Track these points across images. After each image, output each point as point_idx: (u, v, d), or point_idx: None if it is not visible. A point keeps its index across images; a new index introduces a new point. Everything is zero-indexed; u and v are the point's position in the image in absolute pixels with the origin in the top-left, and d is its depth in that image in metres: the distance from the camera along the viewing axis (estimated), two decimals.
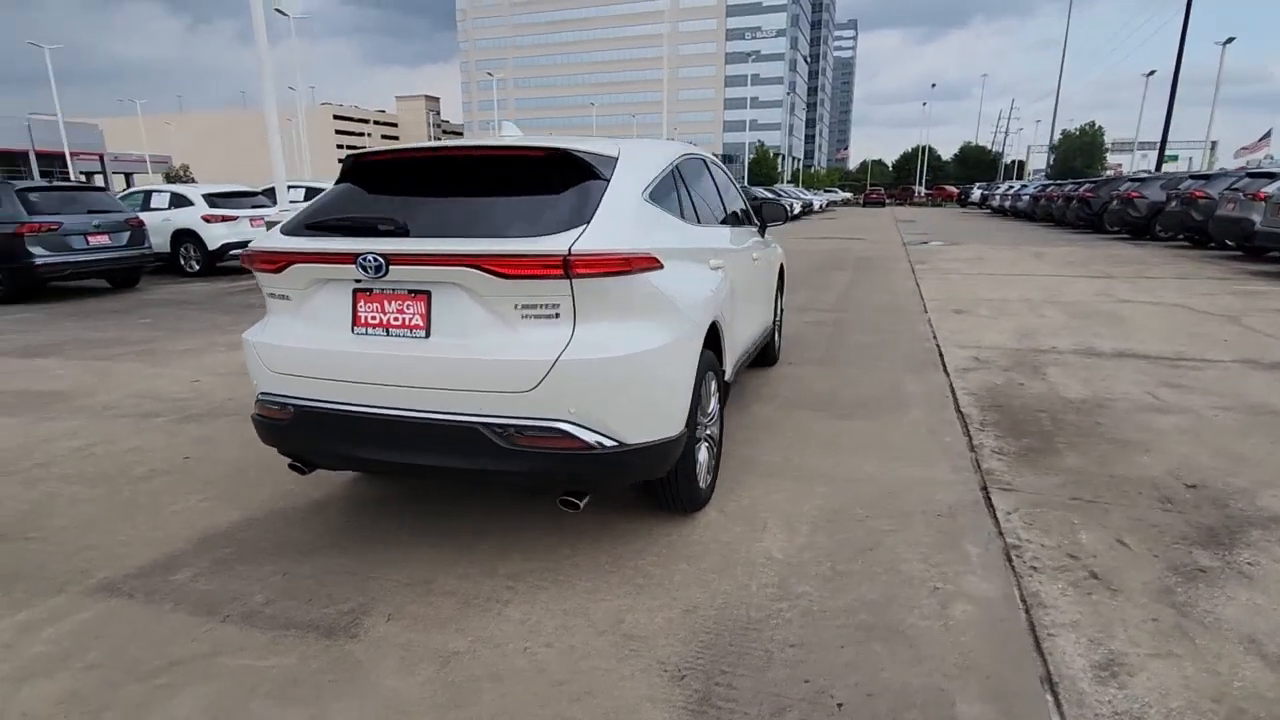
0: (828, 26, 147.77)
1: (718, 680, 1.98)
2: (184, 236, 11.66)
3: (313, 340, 2.44)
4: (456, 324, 2.27)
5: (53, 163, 60.10)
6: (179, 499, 3.22)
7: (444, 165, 2.58)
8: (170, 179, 64.18)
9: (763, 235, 4.67)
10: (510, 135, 2.85)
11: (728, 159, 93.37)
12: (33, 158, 58.61)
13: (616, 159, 2.60)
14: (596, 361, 2.20)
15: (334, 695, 1.96)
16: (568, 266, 2.14)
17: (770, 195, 30.63)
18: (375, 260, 2.23)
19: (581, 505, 2.41)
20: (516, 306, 2.22)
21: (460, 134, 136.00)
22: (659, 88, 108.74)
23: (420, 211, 2.42)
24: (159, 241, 11.21)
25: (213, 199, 11.72)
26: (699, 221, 3.21)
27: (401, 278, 2.27)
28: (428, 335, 2.30)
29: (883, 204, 54.55)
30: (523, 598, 2.40)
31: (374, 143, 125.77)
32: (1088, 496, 3.11)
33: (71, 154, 63.97)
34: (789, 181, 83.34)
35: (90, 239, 9.26)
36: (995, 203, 34.80)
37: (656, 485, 2.77)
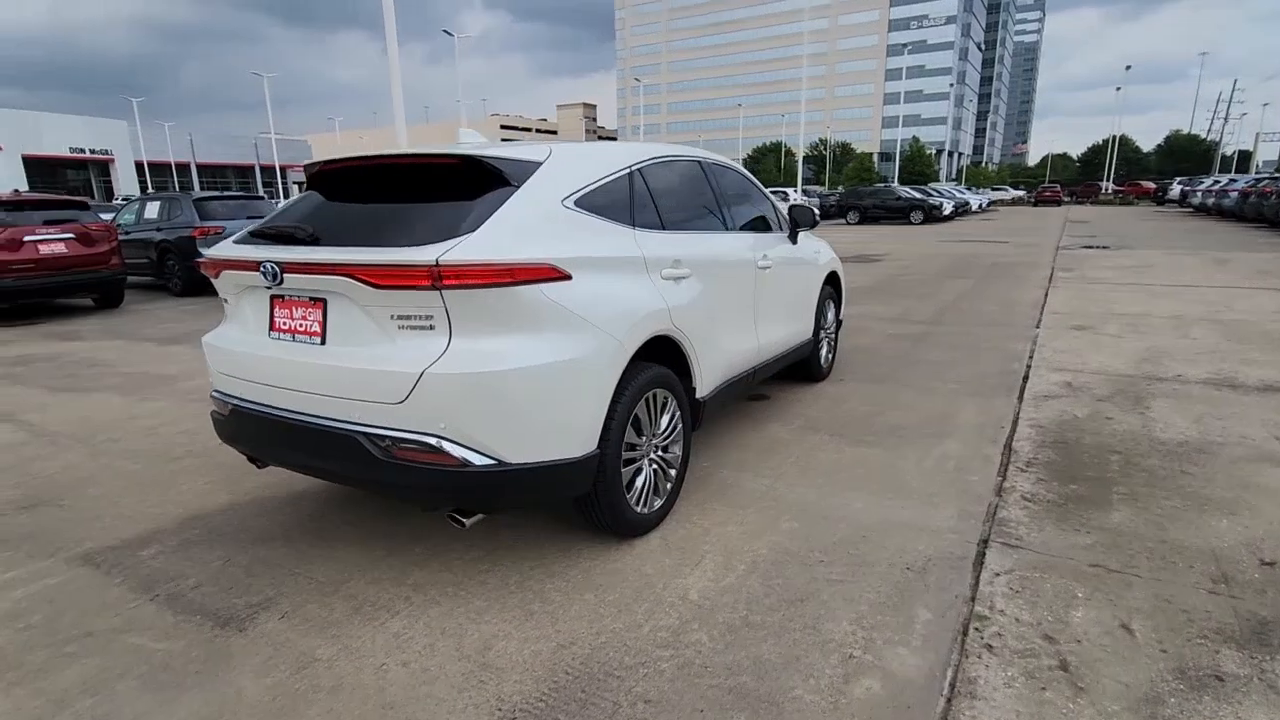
0: (1008, 10, 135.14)
1: None
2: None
3: (242, 343, 2.57)
4: (346, 332, 2.29)
5: (272, 175, 69.79)
6: (191, 480, 3.55)
7: (380, 174, 2.61)
8: None
9: (793, 241, 4.31)
10: (468, 143, 2.83)
11: (884, 157, 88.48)
12: (257, 170, 68.50)
13: (538, 165, 2.50)
14: (468, 376, 2.12)
15: (190, 686, 2.04)
16: (436, 278, 2.07)
17: (914, 194, 28.61)
18: (271, 268, 2.31)
19: (467, 524, 2.33)
20: (393, 317, 2.19)
21: (614, 138, 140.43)
22: (811, 85, 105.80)
23: (340, 219, 2.47)
24: None
25: None
26: (663, 228, 3.00)
27: (298, 286, 2.33)
28: (323, 342, 2.34)
29: (1058, 203, 48.91)
30: (413, 610, 2.37)
31: None
32: (1114, 565, 2.54)
33: (283, 166, 73.86)
34: (951, 180, 77.39)
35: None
36: (1196, 200, 30.02)
37: (584, 505, 2.63)
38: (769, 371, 4.04)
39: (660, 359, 2.89)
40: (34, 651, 2.21)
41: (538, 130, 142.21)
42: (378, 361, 2.20)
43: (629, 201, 2.84)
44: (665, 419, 2.89)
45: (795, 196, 29.94)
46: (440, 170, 2.44)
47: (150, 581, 2.60)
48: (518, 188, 2.38)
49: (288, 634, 2.26)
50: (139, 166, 56.33)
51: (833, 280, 5.08)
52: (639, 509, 2.74)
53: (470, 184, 2.38)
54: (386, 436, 2.19)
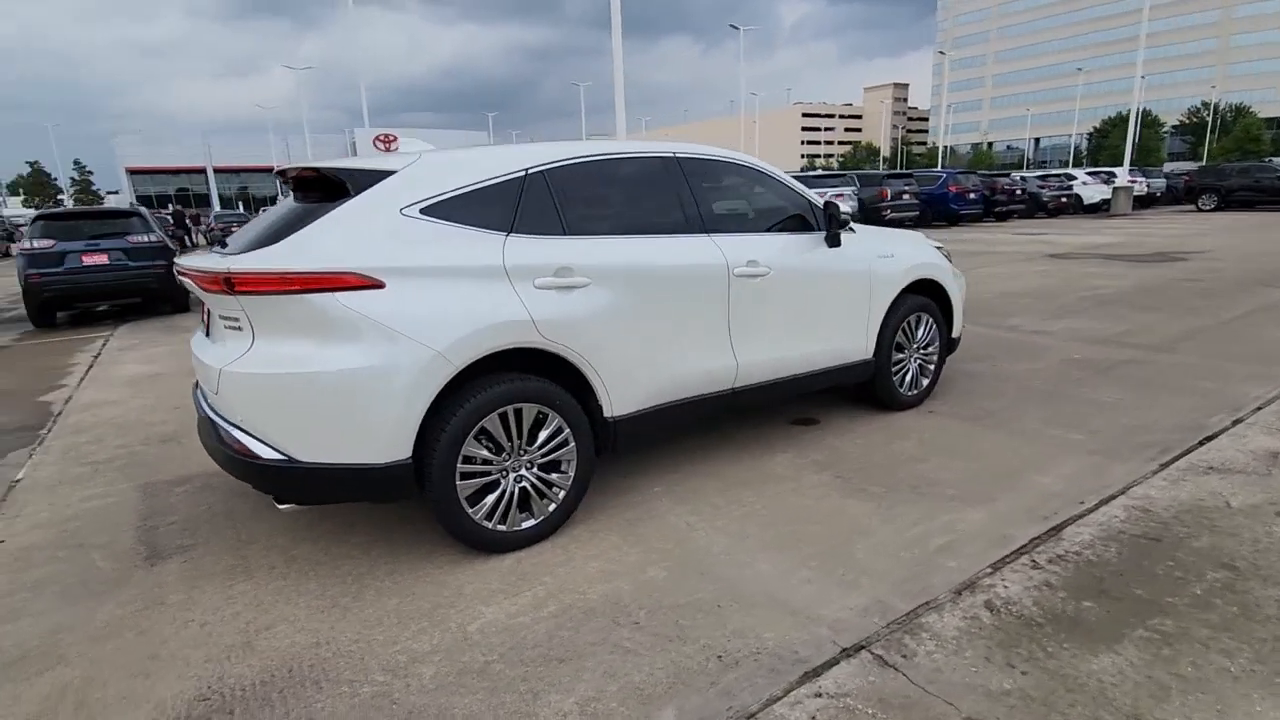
0: None
1: None
2: None
3: (198, 344, 3.01)
4: (214, 331, 2.60)
5: None
6: None
7: (298, 183, 2.86)
8: None
9: (833, 243, 3.63)
10: (410, 150, 2.94)
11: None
12: None
13: (387, 174, 2.53)
14: (255, 376, 2.28)
15: (79, 599, 2.55)
16: (230, 284, 2.26)
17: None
18: (180, 274, 2.69)
19: (281, 508, 2.51)
20: (222, 318, 2.44)
21: (925, 119, 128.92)
22: (1196, 35, 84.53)
23: (252, 227, 2.80)
24: None
25: None
26: (565, 233, 2.79)
27: (193, 289, 2.69)
28: (209, 337, 2.69)
29: None
30: (267, 579, 2.62)
31: (836, 137, 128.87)
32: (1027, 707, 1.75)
33: None
34: None
35: None
36: None
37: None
38: (778, 393, 3.50)
39: (549, 372, 2.73)
40: (51, 550, 2.95)
41: (840, 116, 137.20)
42: (209, 356, 2.48)
43: (512, 207, 2.70)
44: (544, 435, 2.72)
45: (1123, 178, 24.34)
46: (308, 182, 2.62)
47: (153, 512, 3.28)
48: (350, 198, 2.45)
49: (171, 578, 2.69)
50: None
51: (930, 290, 4.16)
52: (490, 525, 2.64)
53: (321, 194, 2.52)
54: (220, 424, 2.46)
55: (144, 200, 51.13)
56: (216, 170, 56.26)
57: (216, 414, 2.50)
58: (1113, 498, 2.95)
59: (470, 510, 2.59)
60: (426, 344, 2.40)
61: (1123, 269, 9.78)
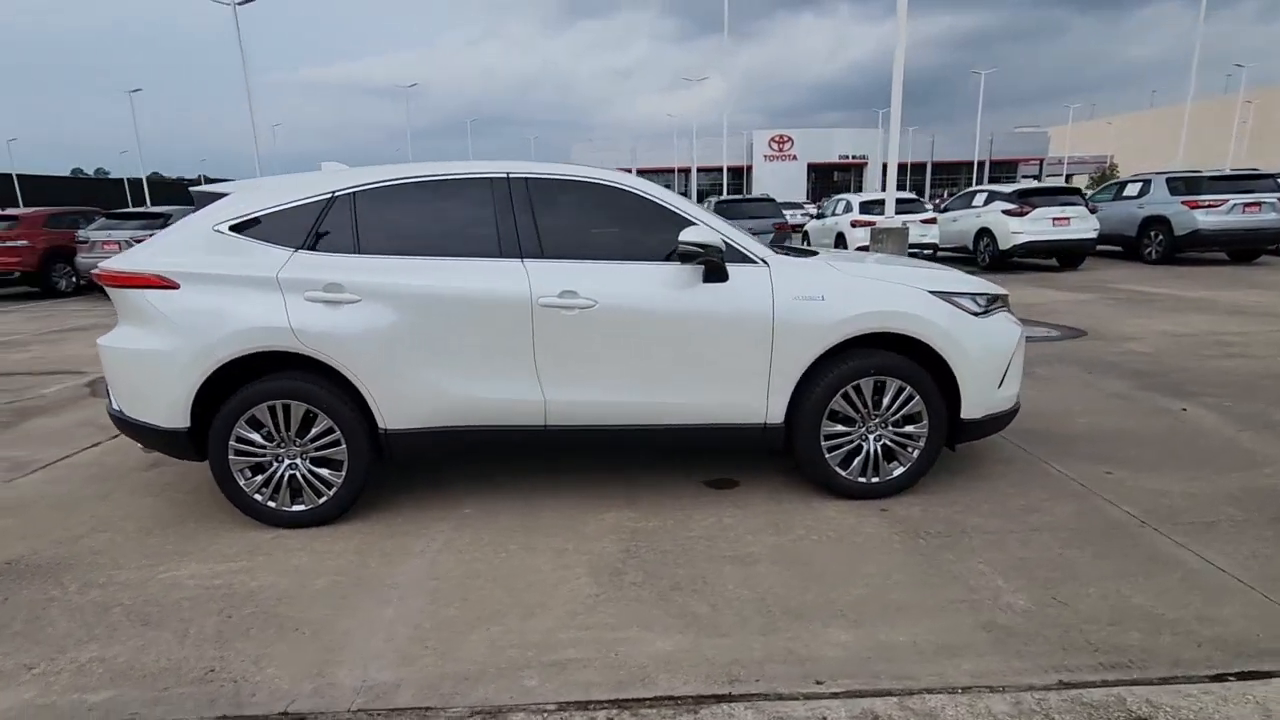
0: None
1: None
2: (984, 235, 12.52)
3: None
4: None
5: (1000, 169, 69.91)
6: None
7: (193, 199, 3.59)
8: (1098, 180, 64.06)
9: (717, 277, 2.96)
10: (329, 172, 3.37)
11: None
12: (985, 166, 69.44)
13: (220, 196, 3.08)
14: (104, 348, 3.06)
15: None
16: (99, 276, 3.09)
17: None
18: None
19: (142, 449, 3.29)
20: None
21: None
22: None
23: None
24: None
25: (1020, 195, 12.27)
26: (358, 251, 2.97)
27: None
28: None
29: None
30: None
31: None
32: None
33: (1016, 160, 72.52)
34: None
35: None
36: None
37: None
38: (633, 441, 3.13)
39: (330, 378, 2.99)
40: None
41: None
42: None
43: (309, 226, 3.00)
44: (316, 430, 3.01)
45: None
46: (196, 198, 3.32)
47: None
48: (188, 215, 3.08)
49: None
50: (883, 168, 65.60)
51: (915, 349, 3.07)
52: (262, 500, 3.05)
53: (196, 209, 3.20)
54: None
55: None
56: (639, 171, 66.28)
57: None
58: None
59: (243, 483, 3.05)
60: (198, 337, 2.91)
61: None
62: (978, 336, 3.12)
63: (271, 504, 3.07)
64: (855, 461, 3.17)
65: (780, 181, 60.67)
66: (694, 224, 3.04)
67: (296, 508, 3.08)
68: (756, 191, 60.68)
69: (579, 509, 3.20)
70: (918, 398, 3.10)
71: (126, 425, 3.11)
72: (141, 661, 2.19)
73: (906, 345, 3.10)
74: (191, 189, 3.25)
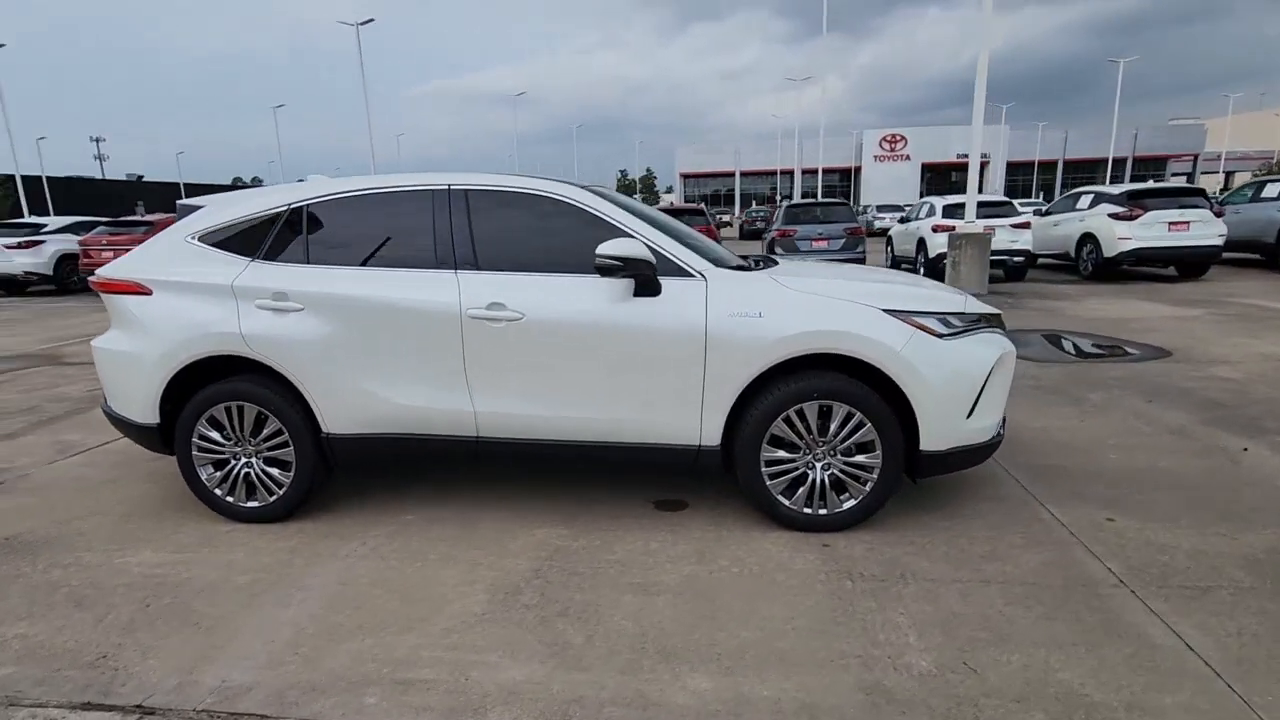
0: None
1: None
2: (1087, 240, 11.52)
3: None
4: None
5: (1147, 166, 63.50)
6: None
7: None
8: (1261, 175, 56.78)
9: (648, 291, 2.83)
10: (305, 183, 3.52)
11: None
12: (1127, 164, 63.14)
13: (197, 208, 3.29)
14: (95, 349, 3.35)
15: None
16: (94, 283, 3.38)
17: None
18: None
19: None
20: None
21: None
22: None
23: None
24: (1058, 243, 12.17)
25: (1130, 197, 11.22)
26: (307, 262, 3.08)
27: None
28: None
29: None
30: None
31: None
32: None
33: (1170, 157, 65.47)
34: None
35: (814, 243, 11.77)
36: None
37: None
38: (567, 455, 3.06)
39: (281, 382, 3.14)
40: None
41: None
42: None
43: (265, 237, 3.15)
44: (267, 431, 3.16)
45: None
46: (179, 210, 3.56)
47: None
48: (171, 225, 3.32)
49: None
50: (1009, 166, 61.12)
51: (867, 373, 2.81)
52: (221, 494, 3.24)
53: None
54: None
55: (689, 199, 63.00)
56: (744, 173, 65.32)
57: None
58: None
59: (205, 478, 3.25)
60: (164, 340, 3.13)
61: None
62: (942, 360, 2.81)
63: (230, 499, 3.25)
64: (800, 491, 2.94)
65: (891, 182, 58.00)
66: (621, 236, 2.93)
67: (251, 504, 3.24)
68: (865, 194, 58.32)
69: (515, 523, 3.16)
70: (868, 425, 2.83)
71: (113, 419, 3.39)
72: (55, 641, 2.38)
73: (864, 369, 2.84)
74: (177, 201, 3.50)
